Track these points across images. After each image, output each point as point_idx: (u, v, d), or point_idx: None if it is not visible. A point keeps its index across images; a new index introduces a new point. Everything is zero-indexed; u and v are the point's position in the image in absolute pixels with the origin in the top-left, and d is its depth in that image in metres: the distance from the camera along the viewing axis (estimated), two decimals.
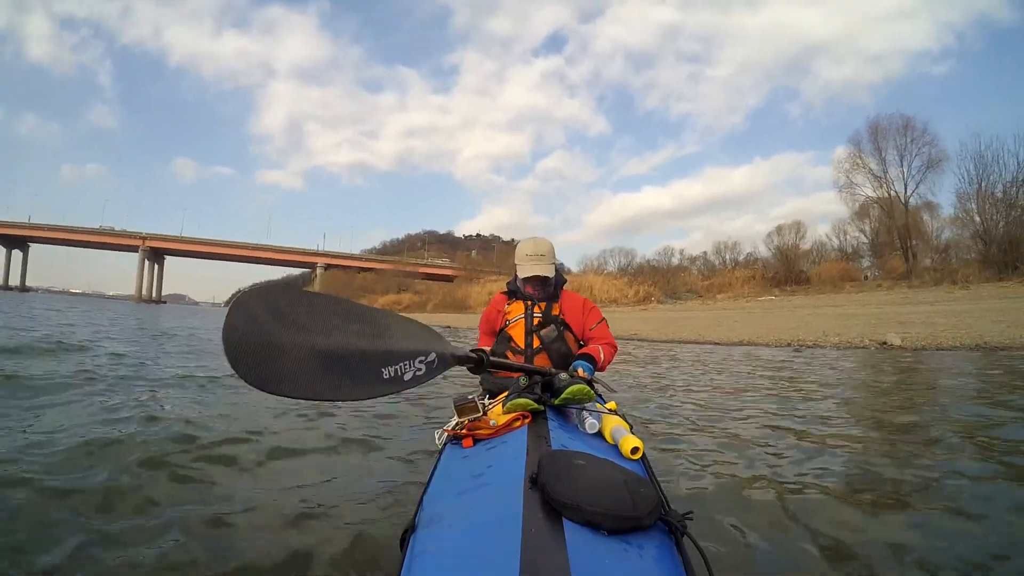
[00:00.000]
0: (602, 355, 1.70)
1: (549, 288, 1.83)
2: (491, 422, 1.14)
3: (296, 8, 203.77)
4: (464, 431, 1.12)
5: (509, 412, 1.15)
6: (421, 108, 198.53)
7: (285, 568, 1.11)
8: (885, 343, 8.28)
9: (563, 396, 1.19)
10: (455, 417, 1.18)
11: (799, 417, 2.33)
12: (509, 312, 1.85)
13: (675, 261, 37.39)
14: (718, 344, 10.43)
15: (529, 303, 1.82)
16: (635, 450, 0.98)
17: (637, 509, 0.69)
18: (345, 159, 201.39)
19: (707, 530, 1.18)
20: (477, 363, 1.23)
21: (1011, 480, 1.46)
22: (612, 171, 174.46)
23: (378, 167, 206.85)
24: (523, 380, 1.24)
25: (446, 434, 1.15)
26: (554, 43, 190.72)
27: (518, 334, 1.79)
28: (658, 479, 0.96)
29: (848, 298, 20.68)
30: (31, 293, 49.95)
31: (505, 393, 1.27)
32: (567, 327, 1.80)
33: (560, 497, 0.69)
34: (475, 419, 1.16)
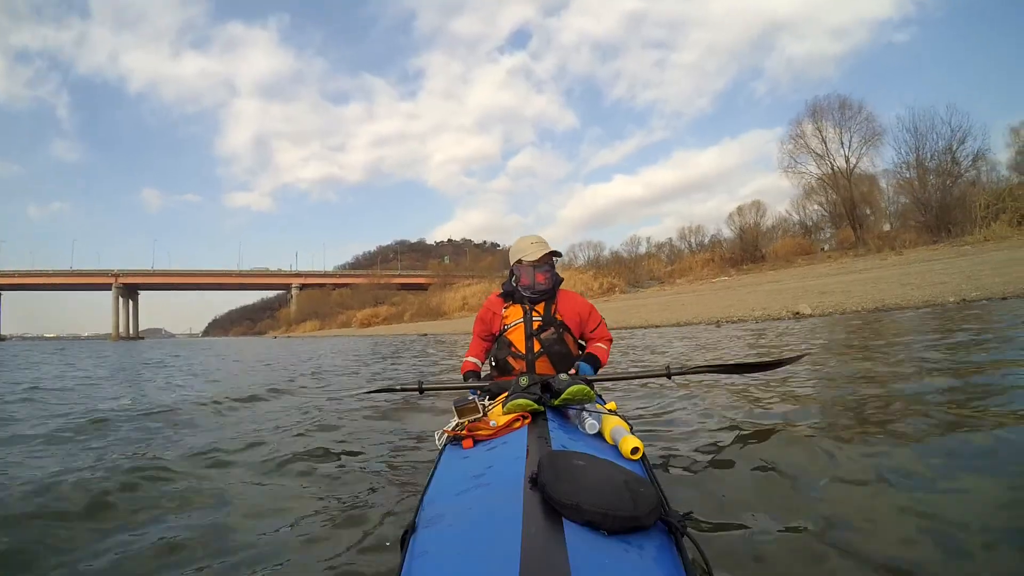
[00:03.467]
0: (606, 352, 1.80)
1: (552, 279, 1.80)
2: (491, 423, 1.14)
3: (256, 23, 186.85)
4: (464, 432, 1.12)
5: (509, 413, 1.15)
6: (389, 116, 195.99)
7: (285, 568, 1.11)
8: (798, 313, 9.09)
9: (563, 397, 1.19)
10: (455, 418, 1.18)
11: (790, 410, 2.26)
12: (507, 316, 1.82)
13: (642, 250, 38.03)
14: (659, 327, 10.97)
15: (528, 306, 1.79)
16: (635, 450, 0.99)
17: (637, 509, 0.70)
18: (314, 174, 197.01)
19: (707, 530, 1.18)
20: None
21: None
22: (583, 163, 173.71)
23: (348, 179, 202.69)
24: (523, 380, 1.24)
25: (446, 435, 1.15)
26: (519, 39, 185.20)
27: (518, 338, 1.77)
28: (658, 479, 0.96)
29: (790, 273, 21.72)
30: (7, 342, 46.93)
31: (505, 394, 1.26)
32: (566, 328, 1.78)
33: (560, 497, 0.70)
34: (475, 420, 1.16)
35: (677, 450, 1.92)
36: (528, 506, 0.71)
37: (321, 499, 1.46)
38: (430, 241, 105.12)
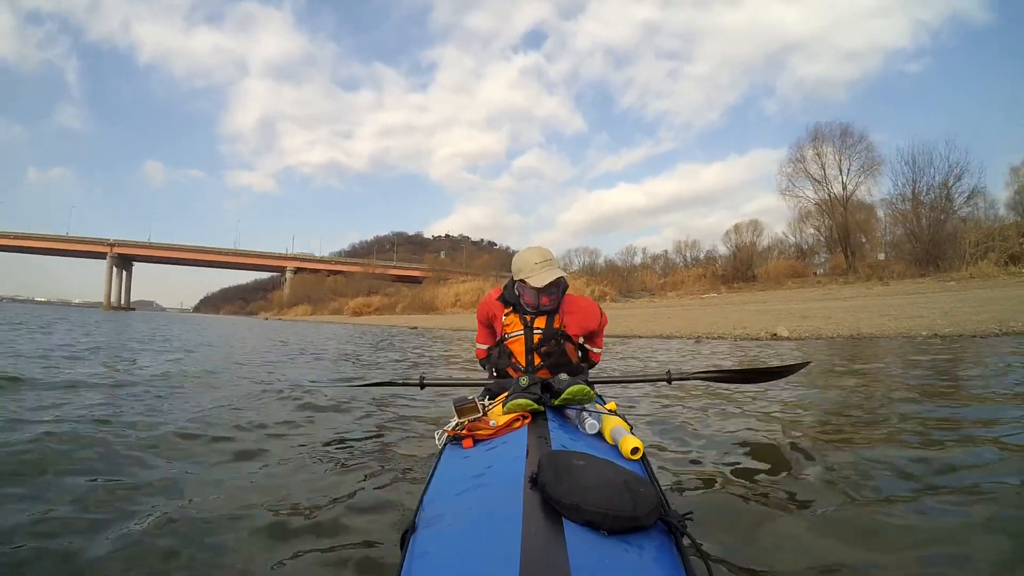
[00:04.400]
0: (599, 355, 1.83)
1: (558, 298, 1.71)
2: (491, 422, 1.14)
3: (271, 2, 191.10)
4: (464, 431, 1.12)
5: (509, 412, 1.15)
6: (398, 107, 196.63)
7: (285, 568, 1.10)
8: (775, 335, 9.21)
9: (563, 397, 1.19)
10: (455, 418, 1.18)
11: (786, 413, 2.40)
12: (508, 324, 1.75)
13: (638, 260, 38.30)
14: (642, 337, 11.08)
15: (528, 318, 1.71)
16: (635, 450, 0.99)
17: (637, 509, 0.70)
18: (319, 159, 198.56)
19: (707, 530, 1.17)
20: None
21: None
22: (588, 168, 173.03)
23: (353, 167, 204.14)
24: (523, 380, 1.24)
25: (446, 434, 1.15)
26: (534, 39, 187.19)
27: (519, 351, 1.72)
28: (658, 479, 0.97)
29: (779, 295, 22.00)
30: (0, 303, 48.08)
31: (505, 393, 1.26)
32: (568, 338, 1.72)
33: (560, 498, 0.70)
34: (475, 419, 1.16)
35: (677, 450, 1.93)
36: (528, 506, 0.71)
37: (320, 498, 1.45)
38: (428, 235, 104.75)
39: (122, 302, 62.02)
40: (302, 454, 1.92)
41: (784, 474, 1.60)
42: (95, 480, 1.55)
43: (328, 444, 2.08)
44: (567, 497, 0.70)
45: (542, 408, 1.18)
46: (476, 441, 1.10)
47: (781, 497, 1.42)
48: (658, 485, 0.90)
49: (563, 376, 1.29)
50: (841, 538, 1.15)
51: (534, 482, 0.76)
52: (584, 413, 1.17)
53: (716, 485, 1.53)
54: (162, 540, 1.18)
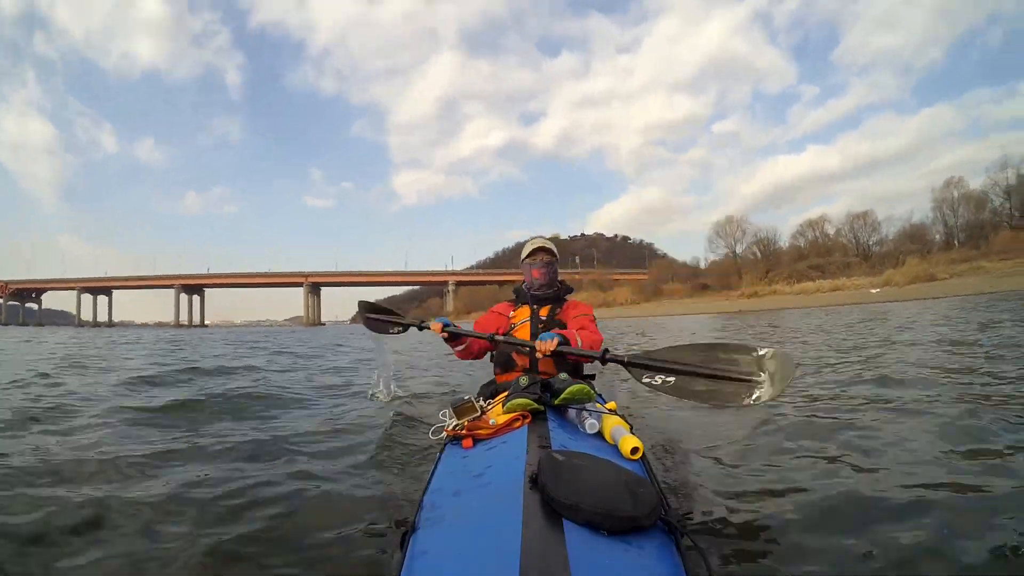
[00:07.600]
0: (579, 341, 1.61)
1: (555, 278, 1.89)
2: (491, 421, 1.14)
3: None
4: (464, 431, 1.12)
5: (509, 412, 1.15)
6: (603, 72, 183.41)
7: (285, 568, 1.09)
8: None
9: (563, 396, 1.20)
10: (453, 419, 1.18)
11: (801, 410, 2.29)
12: (515, 316, 1.90)
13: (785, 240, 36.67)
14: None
15: (535, 307, 1.87)
16: (635, 450, 0.99)
17: (637, 509, 0.70)
18: (497, 142, 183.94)
19: (707, 530, 1.17)
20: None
21: None
22: (789, 129, 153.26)
23: (538, 147, 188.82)
24: (523, 380, 1.24)
25: (446, 434, 1.15)
26: None
27: (523, 336, 1.80)
28: (658, 479, 0.97)
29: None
30: (208, 328, 54.96)
31: (505, 393, 1.27)
32: (565, 328, 1.81)
33: (560, 497, 0.70)
34: (474, 419, 1.16)
35: (677, 450, 1.92)
36: (528, 506, 0.71)
37: (319, 498, 1.44)
38: (587, 231, 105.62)
39: (315, 319, 73.32)
40: (301, 453, 1.91)
41: (787, 474, 1.58)
42: None
43: (328, 444, 2.08)
44: (567, 497, 0.70)
45: (542, 408, 1.19)
46: (476, 441, 1.10)
47: (782, 497, 1.41)
48: (658, 485, 0.91)
49: (563, 375, 1.29)
50: (843, 537, 1.14)
51: (534, 482, 0.76)
52: (584, 413, 1.17)
53: (716, 485, 1.52)
54: (158, 534, 1.16)
